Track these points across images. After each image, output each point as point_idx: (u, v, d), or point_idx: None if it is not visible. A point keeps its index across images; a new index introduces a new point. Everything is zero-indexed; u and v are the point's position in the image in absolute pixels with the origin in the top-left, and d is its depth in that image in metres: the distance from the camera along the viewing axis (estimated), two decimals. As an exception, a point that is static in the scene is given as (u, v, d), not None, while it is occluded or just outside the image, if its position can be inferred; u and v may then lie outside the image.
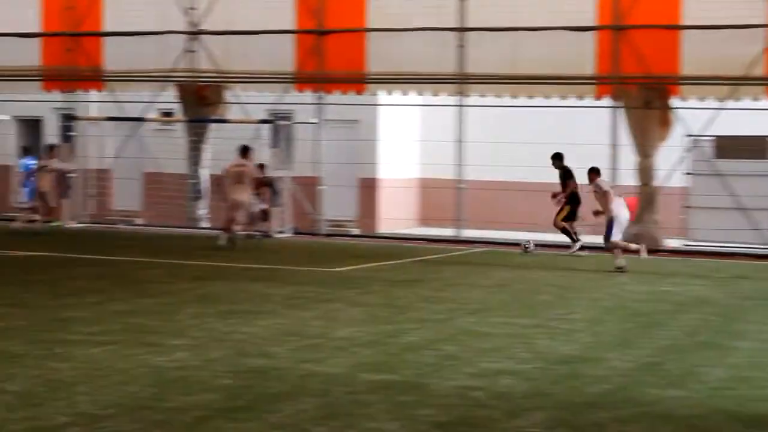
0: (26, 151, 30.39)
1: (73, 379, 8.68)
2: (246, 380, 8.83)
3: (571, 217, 23.08)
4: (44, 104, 31.67)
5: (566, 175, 23.16)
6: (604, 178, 21.20)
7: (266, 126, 27.36)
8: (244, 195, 22.70)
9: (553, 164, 23.27)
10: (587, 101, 25.26)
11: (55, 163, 25.59)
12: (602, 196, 20.03)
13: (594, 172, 20.70)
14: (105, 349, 10.05)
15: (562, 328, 12.15)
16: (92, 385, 8.46)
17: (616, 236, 19.79)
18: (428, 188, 29.66)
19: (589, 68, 24.99)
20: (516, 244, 23.50)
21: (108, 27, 29.15)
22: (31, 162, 28.75)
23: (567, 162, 23.39)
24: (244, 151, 23.17)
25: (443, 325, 12.32)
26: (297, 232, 26.56)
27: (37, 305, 13.03)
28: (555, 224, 23.14)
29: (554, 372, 9.53)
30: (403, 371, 9.38)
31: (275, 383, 8.75)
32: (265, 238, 24.49)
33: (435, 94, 26.68)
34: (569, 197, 22.92)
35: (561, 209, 23.11)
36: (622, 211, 20.02)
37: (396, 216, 29.19)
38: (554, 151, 23.50)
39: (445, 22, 25.85)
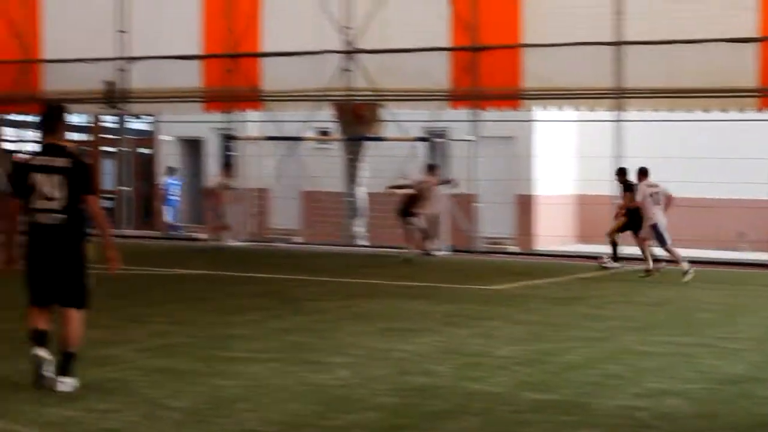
0: (171, 171, 31.22)
1: (237, 396, 8.79)
2: (407, 398, 8.82)
3: (627, 229, 22.51)
4: (205, 125, 32.37)
5: (626, 188, 22.79)
6: (651, 182, 21.48)
7: (422, 143, 27.42)
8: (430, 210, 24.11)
9: (618, 179, 23.17)
10: (749, 114, 24.69)
11: (233, 182, 26.07)
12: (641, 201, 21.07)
13: (642, 174, 21.53)
14: (267, 366, 10.16)
15: (728, 347, 11.83)
16: (256, 403, 8.55)
17: (669, 240, 20.56)
18: (585, 204, 29.33)
19: (750, 80, 24.40)
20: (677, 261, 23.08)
21: (265, 48, 29.63)
22: (174, 182, 29.48)
23: (733, 175, 22.97)
24: (431, 168, 24.62)
25: (604, 343, 12.13)
26: (454, 250, 26.52)
27: (201, 323, 13.27)
28: (608, 234, 23.06)
29: (722, 392, 9.28)
30: (565, 390, 9.26)
31: (437, 401, 8.72)
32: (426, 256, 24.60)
33: (592, 109, 26.38)
34: (629, 211, 22.37)
35: (619, 223, 22.74)
36: (659, 217, 20.79)
37: (553, 233, 28.93)
38: (619, 167, 23.52)
39: (601, 36, 25.54)
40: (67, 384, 8.86)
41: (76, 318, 9.06)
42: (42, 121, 9.38)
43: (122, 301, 14.77)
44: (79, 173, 9.08)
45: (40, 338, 9.00)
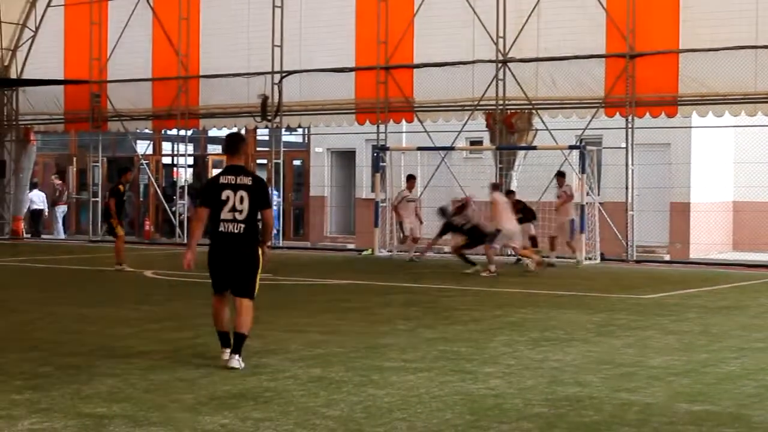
0: None
1: (391, 405, 8.84)
2: (561, 409, 8.74)
3: None
4: (357, 136, 32.68)
5: None
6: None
7: (575, 152, 27.20)
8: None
9: None
10: None
11: (414, 194, 26.28)
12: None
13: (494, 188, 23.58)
14: (419, 376, 10.19)
15: None
16: (410, 412, 8.58)
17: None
18: (742, 211, 28.71)
19: None
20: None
21: (418, 59, 29.79)
22: None
23: None
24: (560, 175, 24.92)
25: (764, 353, 11.84)
26: (604, 259, 26.24)
27: (353, 332, 13.38)
28: None
29: None
30: (723, 402, 9.06)
31: (591, 412, 8.62)
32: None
33: (751, 115, 25.80)
34: None
35: None
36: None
37: (709, 240, 28.38)
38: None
39: (761, 39, 25.01)
40: (236, 361, 10.56)
41: (247, 306, 10.92)
42: (227, 146, 11.22)
43: (277, 311, 14.99)
44: (259, 190, 10.90)
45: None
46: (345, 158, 35.17)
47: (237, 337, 10.74)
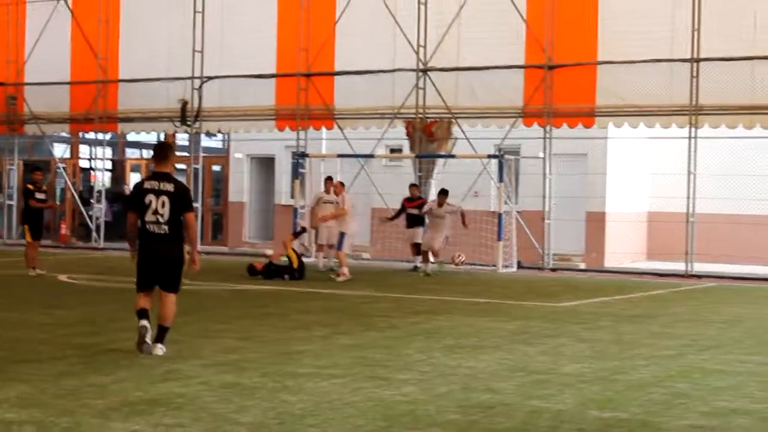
0: None
1: (303, 411, 8.83)
2: (473, 416, 8.80)
3: None
4: (277, 143, 32.61)
5: None
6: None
7: (493, 160, 27.41)
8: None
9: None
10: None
11: (332, 196, 26.27)
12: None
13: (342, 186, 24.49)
14: (333, 382, 10.20)
15: (800, 367, 11.68)
16: (322, 418, 8.58)
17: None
18: (657, 221, 29.12)
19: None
20: (754, 278, 22.86)
21: (339, 67, 29.82)
22: None
23: None
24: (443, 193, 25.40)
25: (673, 361, 12.02)
26: (521, 266, 26.48)
27: (268, 338, 13.35)
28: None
29: (792, 412, 9.16)
30: (632, 409, 9.18)
31: (502, 419, 8.69)
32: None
33: (665, 127, 26.20)
34: None
35: None
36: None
37: (623, 250, 28.74)
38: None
39: (676, 53, 25.41)
40: (159, 349, 11.63)
41: (172, 299, 11.96)
42: (156, 153, 12.27)
43: (192, 316, 14.90)
44: (180, 196, 11.84)
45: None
46: (264, 164, 35.08)
47: (160, 329, 11.84)
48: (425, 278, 23.65)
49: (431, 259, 25.21)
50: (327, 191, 25.42)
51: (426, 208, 25.57)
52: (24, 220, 23.23)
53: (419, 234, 25.93)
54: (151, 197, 11.78)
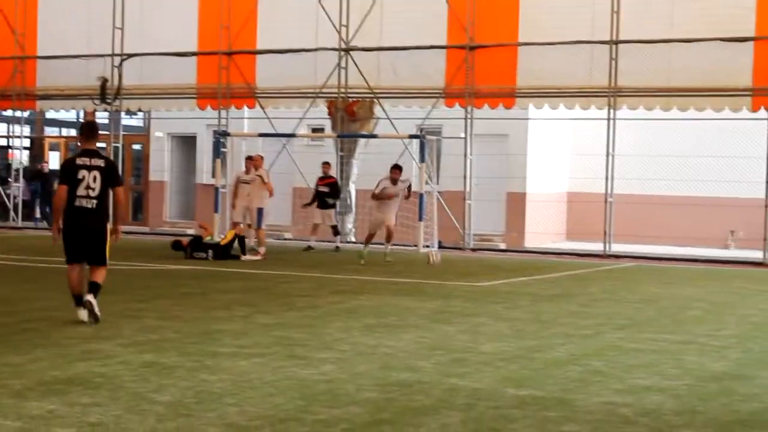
0: None
1: (222, 390, 8.82)
2: (391, 394, 8.86)
3: None
4: (198, 121, 32.41)
5: None
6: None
7: (415, 141, 27.46)
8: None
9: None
10: (743, 113, 24.77)
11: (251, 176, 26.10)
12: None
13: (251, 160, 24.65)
14: (253, 361, 10.20)
15: (711, 345, 11.90)
16: (241, 397, 8.58)
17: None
18: (576, 202, 29.44)
19: (745, 80, 24.50)
20: (670, 259, 23.20)
21: (261, 45, 29.69)
22: None
23: (724, 173, 23.42)
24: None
25: (590, 340, 12.18)
26: (442, 247, 26.60)
27: (188, 318, 13.30)
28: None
29: (704, 389, 9.33)
30: (549, 386, 9.30)
31: (420, 397, 8.76)
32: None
33: (585, 108, 26.46)
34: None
35: None
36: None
37: (543, 230, 29.01)
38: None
39: (597, 35, 25.66)
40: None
41: (101, 270, 12.68)
42: (84, 131, 12.94)
43: (111, 296, 14.78)
44: (110, 171, 12.57)
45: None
46: (186, 143, 34.84)
47: (92, 284, 12.52)
48: (358, 261, 22.57)
49: (389, 241, 23.28)
50: (247, 171, 25.33)
51: (379, 188, 23.22)
52: None
53: (332, 215, 25.97)
54: (84, 172, 12.39)
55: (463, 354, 10.92)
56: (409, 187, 23.52)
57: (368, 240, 23.56)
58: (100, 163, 12.53)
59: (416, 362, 10.35)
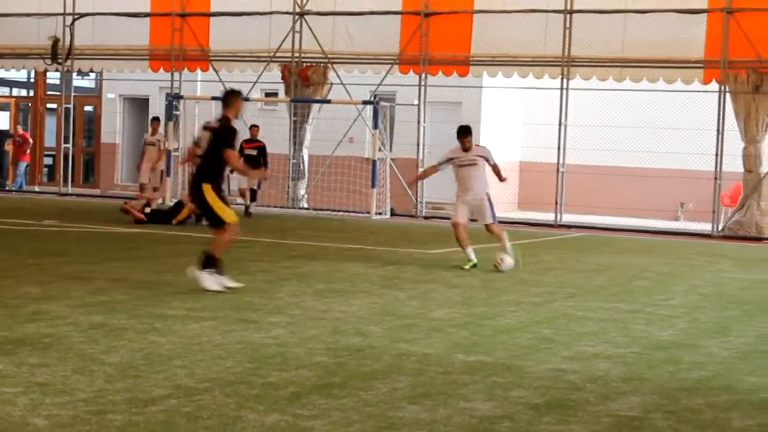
0: None
1: (172, 352, 8.81)
2: (341, 358, 8.88)
3: None
4: (151, 83, 32.16)
5: None
6: None
7: (368, 107, 27.45)
8: None
9: None
10: (694, 86, 24.93)
11: (157, 137, 25.96)
12: None
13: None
14: (203, 324, 10.18)
15: (659, 314, 12.02)
16: (190, 359, 8.57)
17: None
18: (528, 171, 29.56)
19: (697, 52, 24.65)
20: (620, 229, 23.36)
21: (215, 7, 29.49)
22: None
23: (675, 145, 23.51)
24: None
25: (540, 308, 12.27)
26: (394, 214, 26.63)
27: (139, 281, 13.25)
28: None
29: (651, 357, 9.43)
30: (498, 353, 9.36)
31: (370, 362, 8.79)
32: None
33: (538, 77, 26.53)
34: None
35: None
36: None
37: (495, 200, 29.09)
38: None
39: (551, 4, 25.71)
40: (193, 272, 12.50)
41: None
42: (223, 99, 13.10)
43: (61, 258, 14.72)
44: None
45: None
46: (138, 105, 34.58)
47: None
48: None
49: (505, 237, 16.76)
50: (153, 133, 25.22)
51: (444, 158, 16.86)
52: None
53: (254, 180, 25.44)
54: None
55: (413, 320, 10.96)
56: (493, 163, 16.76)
57: (461, 239, 16.43)
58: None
59: (367, 327, 10.38)
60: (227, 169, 13.38)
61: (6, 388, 7.35)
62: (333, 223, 22.90)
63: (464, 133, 16.45)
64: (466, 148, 16.36)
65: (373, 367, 8.58)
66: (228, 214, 12.62)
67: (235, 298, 11.96)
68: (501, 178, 16.50)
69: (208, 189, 12.52)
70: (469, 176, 16.28)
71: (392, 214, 26.72)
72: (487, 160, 16.39)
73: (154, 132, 25.41)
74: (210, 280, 12.38)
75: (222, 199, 12.71)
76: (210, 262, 12.52)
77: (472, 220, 16.44)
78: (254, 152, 25.66)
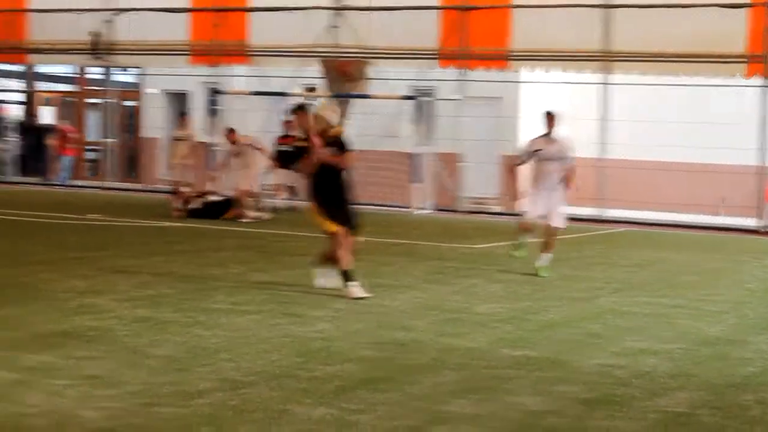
0: None
1: (217, 346, 8.83)
2: (386, 352, 8.88)
3: None
4: (191, 78, 32.24)
5: None
6: None
7: (408, 102, 27.39)
8: None
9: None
10: (736, 80, 24.72)
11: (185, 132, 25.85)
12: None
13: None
14: (248, 318, 10.21)
15: (705, 309, 11.93)
16: (235, 353, 8.59)
17: None
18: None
19: (739, 46, 24.42)
20: (662, 224, 23.19)
21: (254, 2, 29.52)
22: None
23: (717, 140, 23.41)
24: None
25: (585, 303, 12.21)
26: (437, 209, 26.58)
27: (183, 275, 13.29)
28: None
29: (698, 353, 9.36)
30: (543, 348, 9.32)
31: (415, 356, 8.78)
32: None
33: (579, 72, 26.37)
34: None
35: None
36: None
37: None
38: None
39: (591, -1, 25.55)
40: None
41: None
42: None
43: (105, 252, 14.80)
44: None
45: None
46: (178, 100, 34.68)
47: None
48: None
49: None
50: (183, 127, 25.10)
51: (528, 149, 15.71)
52: None
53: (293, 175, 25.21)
54: None
55: (458, 314, 10.94)
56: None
57: (527, 228, 15.65)
58: None
59: (411, 322, 10.36)
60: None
61: (55, 381, 7.40)
62: (375, 218, 22.82)
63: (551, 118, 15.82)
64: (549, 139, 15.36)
65: (418, 362, 8.57)
66: (328, 225, 12.21)
67: (279, 293, 11.96)
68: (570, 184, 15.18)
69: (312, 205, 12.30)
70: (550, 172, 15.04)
71: (435, 209, 26.66)
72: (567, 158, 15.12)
73: (184, 127, 25.38)
74: (357, 290, 11.83)
75: (326, 210, 12.23)
76: (346, 276, 12.01)
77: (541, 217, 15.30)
78: (289, 148, 25.40)
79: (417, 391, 7.59)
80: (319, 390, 7.48)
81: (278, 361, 8.35)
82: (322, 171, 12.06)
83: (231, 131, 23.38)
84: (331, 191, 12.14)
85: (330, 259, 12.29)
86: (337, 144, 12.15)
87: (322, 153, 12.03)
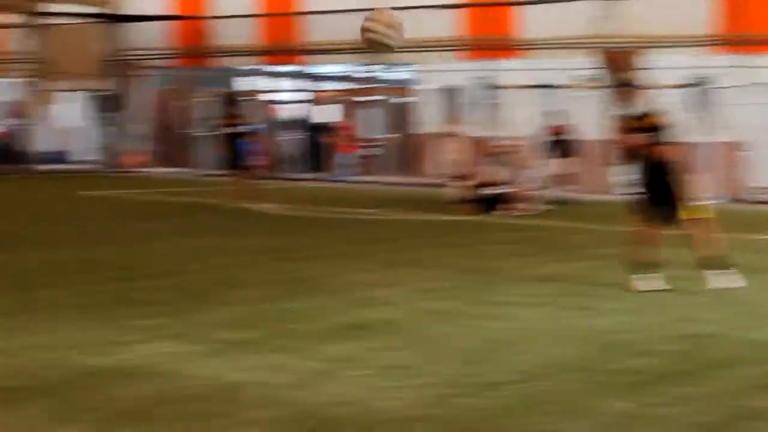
0: None
1: (509, 338, 8.76)
2: (685, 345, 8.57)
3: None
4: (463, 74, 32.36)
5: None
6: None
7: (682, 91, 26.65)
8: None
9: None
10: None
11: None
12: None
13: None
14: (540, 311, 10.09)
15: None
16: (529, 345, 8.49)
17: None
18: None
19: None
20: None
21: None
22: None
23: None
24: None
25: None
26: (725, 199, 25.66)
27: (467, 267, 13.23)
28: None
29: None
30: None
31: (716, 350, 8.44)
32: None
33: None
34: None
35: None
36: None
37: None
38: None
39: None
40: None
41: None
42: None
43: (389, 245, 14.98)
44: None
45: None
46: (451, 95, 34.87)
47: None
48: None
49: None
50: (453, 124, 25.04)
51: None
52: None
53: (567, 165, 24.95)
54: None
55: (756, 308, 10.44)
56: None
57: None
58: None
59: (708, 315, 9.98)
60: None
61: (354, 371, 7.50)
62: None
63: None
64: None
65: (719, 356, 8.25)
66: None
67: (567, 285, 11.74)
68: None
69: None
70: None
71: (728, 200, 25.65)
72: None
73: (454, 123, 25.32)
74: (648, 283, 11.41)
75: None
76: (715, 263, 11.68)
77: None
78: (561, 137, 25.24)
79: (721, 386, 7.28)
80: (618, 383, 7.29)
81: (572, 354, 8.20)
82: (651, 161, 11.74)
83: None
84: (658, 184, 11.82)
85: (645, 261, 11.68)
86: (655, 131, 11.79)
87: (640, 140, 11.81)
